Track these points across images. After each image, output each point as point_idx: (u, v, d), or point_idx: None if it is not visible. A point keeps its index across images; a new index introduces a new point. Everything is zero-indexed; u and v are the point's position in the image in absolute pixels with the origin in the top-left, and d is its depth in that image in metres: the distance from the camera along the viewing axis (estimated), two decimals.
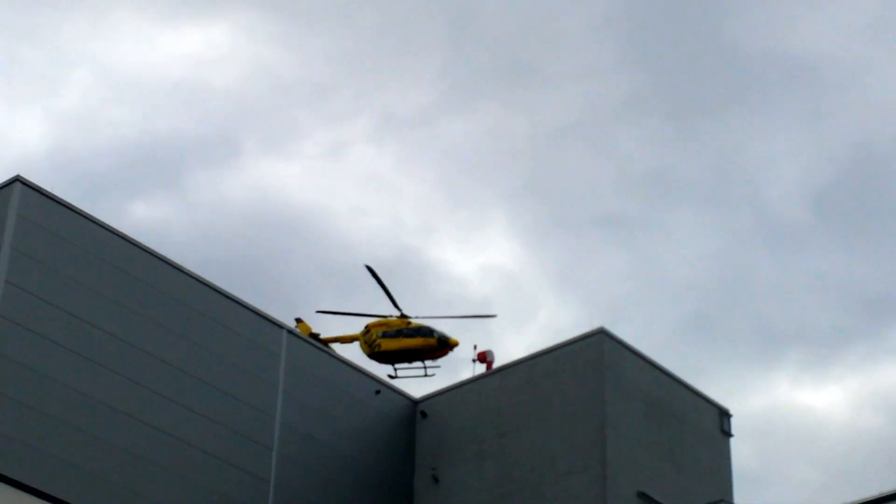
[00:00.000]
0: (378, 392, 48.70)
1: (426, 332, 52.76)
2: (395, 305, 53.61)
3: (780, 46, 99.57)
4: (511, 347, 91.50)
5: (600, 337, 46.72)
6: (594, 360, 46.44)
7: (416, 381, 52.46)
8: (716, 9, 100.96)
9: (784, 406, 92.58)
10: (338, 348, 53.01)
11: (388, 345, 52.74)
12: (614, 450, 44.94)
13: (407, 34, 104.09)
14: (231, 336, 44.97)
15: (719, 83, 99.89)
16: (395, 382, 50.12)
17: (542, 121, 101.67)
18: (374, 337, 52.97)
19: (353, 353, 52.91)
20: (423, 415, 49.46)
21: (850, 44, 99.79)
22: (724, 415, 49.80)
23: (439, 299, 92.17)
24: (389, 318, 53.44)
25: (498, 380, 48.61)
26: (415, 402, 49.87)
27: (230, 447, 43.41)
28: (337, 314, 54.44)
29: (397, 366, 53.05)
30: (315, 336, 53.04)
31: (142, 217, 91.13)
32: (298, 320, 53.64)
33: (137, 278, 42.98)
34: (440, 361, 53.25)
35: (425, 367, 53.13)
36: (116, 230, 43.01)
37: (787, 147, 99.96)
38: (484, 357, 50.68)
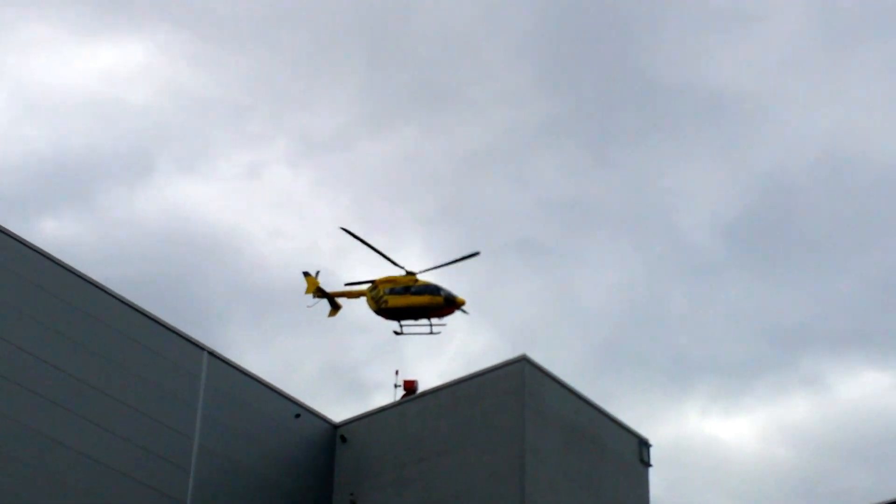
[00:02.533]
0: (298, 416, 48.20)
1: (433, 290, 52.68)
2: (394, 263, 53.10)
3: (696, 79, 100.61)
4: (424, 373, 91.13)
5: (522, 364, 46.58)
6: (515, 387, 46.27)
7: (335, 406, 52.08)
8: (633, 40, 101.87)
9: (694, 436, 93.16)
10: (345, 303, 53.42)
11: (395, 301, 52.68)
12: (533, 478, 44.76)
13: (325, 56, 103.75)
14: (150, 356, 44.28)
15: (636, 113, 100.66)
16: (315, 406, 49.46)
17: (460, 145, 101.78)
18: (381, 293, 52.85)
19: (360, 309, 53.53)
20: (343, 439, 48.99)
21: (763, 78, 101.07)
22: (643, 444, 49.86)
23: (354, 322, 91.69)
24: (397, 276, 53.14)
25: (419, 406, 48.28)
26: (335, 427, 49.43)
27: (146, 468, 42.68)
28: (358, 239, 52.76)
29: (403, 323, 53.13)
30: (321, 291, 53.14)
31: (51, 233, 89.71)
32: (306, 273, 53.75)
33: (53, 294, 42.16)
34: (446, 320, 53.30)
35: (430, 325, 53.18)
36: (33, 245, 42.14)
37: (701, 178, 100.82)
38: (412, 386, 50.29)
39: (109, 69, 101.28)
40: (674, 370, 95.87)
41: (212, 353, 45.89)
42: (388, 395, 50.83)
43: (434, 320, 53.10)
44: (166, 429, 43.73)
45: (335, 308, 54.02)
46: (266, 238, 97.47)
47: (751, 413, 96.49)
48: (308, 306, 54.04)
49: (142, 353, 43.98)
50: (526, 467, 44.65)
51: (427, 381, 49.85)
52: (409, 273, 53.04)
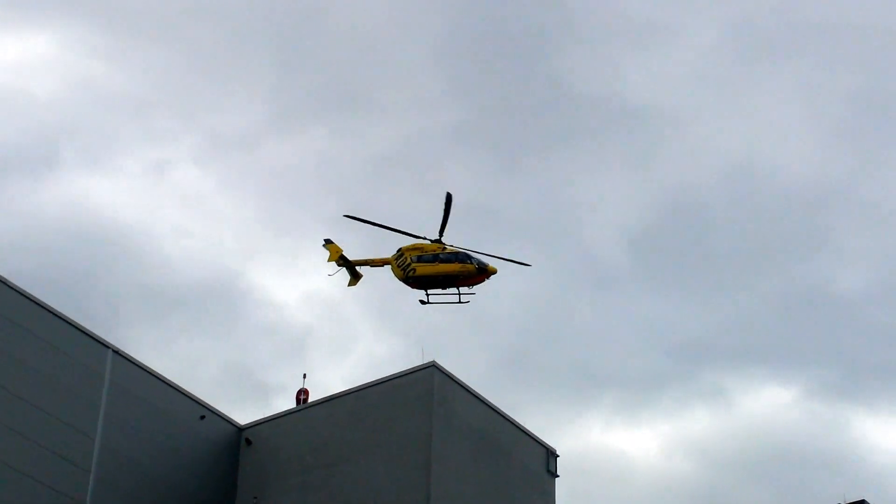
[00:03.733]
0: (203, 417, 47.41)
1: (463, 257, 50.93)
2: (414, 235, 51.59)
3: (609, 90, 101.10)
4: (328, 378, 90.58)
5: (431, 371, 46.20)
6: (424, 394, 45.90)
7: (237, 408, 51.18)
8: (548, 49, 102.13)
9: (598, 447, 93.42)
10: (367, 272, 52.01)
11: (424, 270, 50.93)
12: (439, 486, 44.38)
13: (235, 55, 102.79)
14: (51, 352, 43.23)
15: (547, 122, 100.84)
16: (221, 408, 48.66)
17: (369, 149, 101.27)
18: (408, 261, 51.12)
19: (385, 277, 52.09)
20: (248, 442, 48.27)
21: (675, 92, 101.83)
22: (551, 455, 49.67)
23: (258, 325, 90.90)
24: (423, 242, 51.53)
25: (326, 410, 47.72)
26: (240, 429, 48.69)
27: (45, 467, 41.64)
28: (366, 222, 51.25)
29: (430, 291, 51.40)
30: (344, 259, 51.65)
31: None
32: (328, 241, 52.18)
33: None
34: (476, 288, 51.58)
35: (459, 294, 51.41)
36: None
37: (611, 190, 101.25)
38: (304, 396, 49.60)
39: (15, 61, 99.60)
40: (579, 381, 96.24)
41: (116, 352, 44.96)
42: (291, 399, 50.27)
43: (463, 289, 51.24)
44: (67, 427, 42.73)
45: (355, 277, 52.19)
46: (171, 236, 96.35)
47: (653, 426, 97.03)
48: (329, 275, 52.26)
49: (42, 348, 42.94)
50: (432, 475, 44.24)
51: (332, 386, 49.27)
52: (436, 241, 51.27)
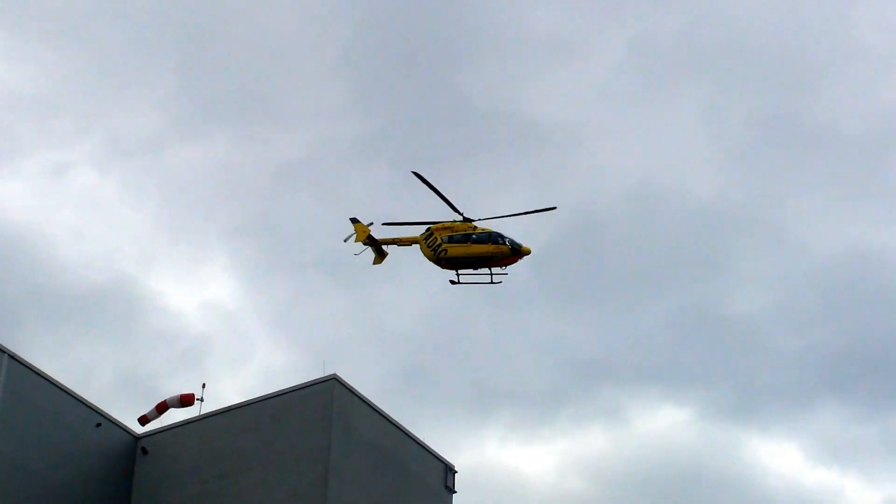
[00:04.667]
0: (99, 425, 46.78)
1: (496, 238, 49.34)
2: (454, 209, 49.86)
3: (513, 106, 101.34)
4: (225, 388, 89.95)
5: (332, 384, 46.04)
6: (324, 407, 45.71)
7: (131, 416, 50.32)
8: (453, 64, 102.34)
9: (494, 464, 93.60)
10: (395, 251, 50.72)
11: (456, 251, 49.41)
12: (336, 499, 44.21)
13: (138, 58, 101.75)
14: None
15: (450, 136, 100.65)
16: (117, 416, 48.05)
17: (272, 157, 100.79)
18: (438, 241, 49.64)
19: (414, 256, 50.84)
20: (144, 451, 47.73)
21: (579, 110, 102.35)
22: (449, 470, 49.74)
23: (155, 332, 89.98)
24: (453, 222, 49.91)
25: (224, 421, 47.33)
26: (136, 438, 48.14)
27: None
28: (401, 224, 50.20)
29: (461, 272, 49.89)
30: (371, 238, 50.25)
31: None
32: (354, 220, 50.64)
33: None
34: (509, 269, 50.08)
35: (491, 275, 49.90)
36: None
37: (512, 204, 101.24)
38: (191, 399, 49.15)
39: None
40: (477, 397, 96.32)
41: (12, 357, 44.16)
42: (189, 407, 49.77)
43: (495, 269, 49.78)
44: None
45: (381, 256, 50.80)
46: (68, 240, 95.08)
47: (550, 443, 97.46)
48: (355, 255, 50.93)
49: None
50: (329, 489, 44.06)
51: (228, 397, 48.82)
52: (466, 220, 49.69)
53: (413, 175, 48.25)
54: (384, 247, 50.45)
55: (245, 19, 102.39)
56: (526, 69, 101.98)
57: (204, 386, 49.61)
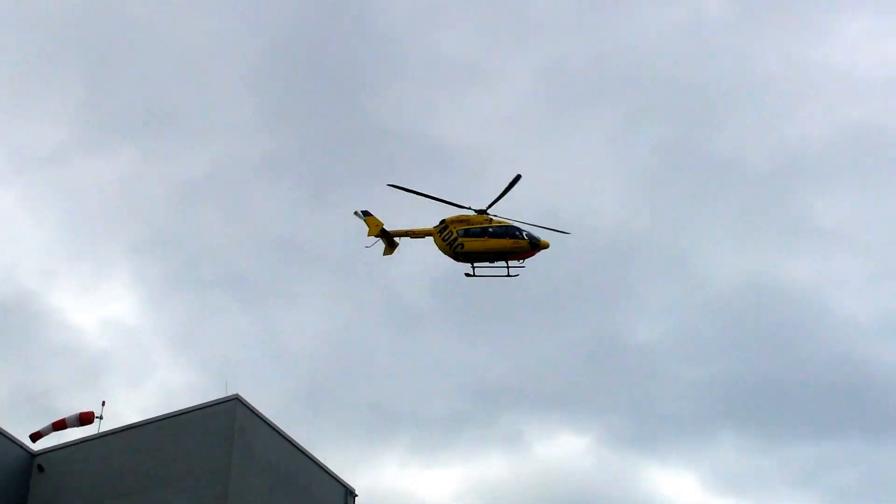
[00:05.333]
0: None
1: (514, 232, 47.87)
2: (458, 205, 48.10)
3: (419, 129, 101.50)
4: (124, 407, 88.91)
5: (234, 404, 45.68)
6: (225, 427, 45.34)
7: (26, 432, 49.52)
8: (363, 86, 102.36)
9: (393, 487, 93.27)
10: (407, 243, 49.39)
11: (473, 245, 47.84)
12: None
13: (44, 69, 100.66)
14: None
15: (358, 158, 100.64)
16: (12, 432, 47.24)
17: (177, 172, 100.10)
18: (454, 235, 48.00)
19: (427, 247, 49.25)
20: (41, 469, 46.99)
21: (489, 134, 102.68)
22: (349, 493, 49.54)
23: (54, 347, 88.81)
24: (468, 213, 48.29)
25: (123, 439, 46.74)
26: (32, 455, 47.38)
27: None
28: (408, 191, 47.80)
29: (476, 265, 48.27)
30: (384, 231, 48.96)
31: None
32: (366, 213, 49.53)
33: None
34: (526, 261, 48.60)
35: (508, 268, 48.42)
36: None
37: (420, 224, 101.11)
38: (90, 417, 48.58)
39: None
40: (377, 420, 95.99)
41: None
42: (88, 426, 49.14)
43: (513, 263, 48.41)
44: None
45: (391, 247, 49.44)
46: None
47: (449, 467, 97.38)
48: (366, 247, 49.42)
49: None
50: None
51: (127, 416, 48.33)
52: (480, 211, 48.16)
53: (389, 187, 47.40)
54: (396, 238, 49.38)
55: (154, 34, 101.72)
56: (435, 92, 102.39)
57: (104, 404, 49.06)
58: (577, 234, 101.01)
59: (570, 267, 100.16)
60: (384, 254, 49.33)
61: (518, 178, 46.45)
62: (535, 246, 48.03)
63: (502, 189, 47.01)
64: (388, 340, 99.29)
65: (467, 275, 48.31)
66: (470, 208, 47.98)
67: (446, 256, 48.33)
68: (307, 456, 48.20)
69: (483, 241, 47.77)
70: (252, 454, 45.48)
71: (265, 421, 46.60)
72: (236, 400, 45.71)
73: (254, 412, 46.25)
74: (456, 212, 48.36)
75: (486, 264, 48.25)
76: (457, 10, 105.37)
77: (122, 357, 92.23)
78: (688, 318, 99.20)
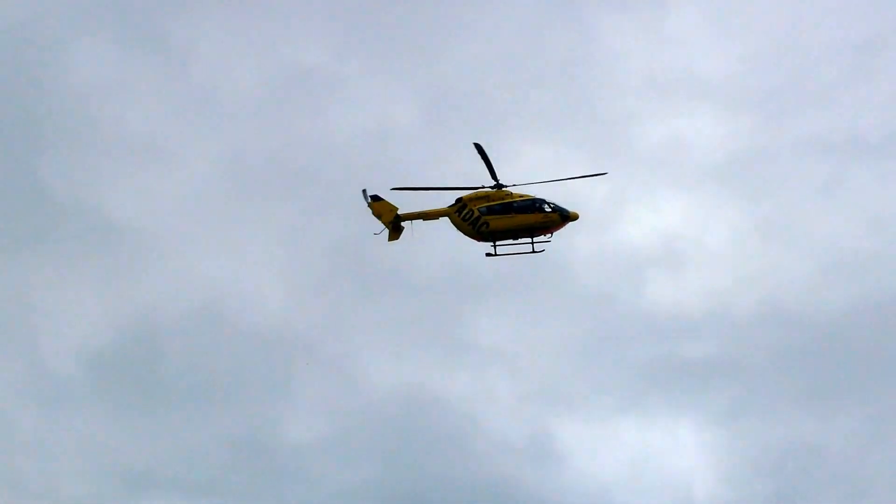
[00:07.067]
0: None
1: (541, 205, 45.18)
2: (494, 176, 45.39)
3: (89, 202, 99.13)
4: None
5: None
6: None
7: None
8: (34, 150, 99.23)
9: None
10: (421, 225, 46.33)
11: (499, 223, 44.78)
12: None
13: None
14: None
15: (22, 223, 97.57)
16: None
17: None
18: (476, 214, 44.40)
19: (441, 229, 46.21)
20: None
21: (157, 216, 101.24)
22: None
23: None
24: (486, 190, 45.56)
25: None
26: None
27: None
28: (414, 189, 45.62)
29: (499, 243, 46.20)
30: (398, 217, 46.49)
31: None
32: (376, 197, 46.65)
33: None
34: (553, 235, 46.04)
35: (532, 244, 45.92)
36: None
37: (75, 302, 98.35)
38: None
39: None
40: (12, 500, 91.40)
41: None
42: None
43: (537, 238, 46.32)
44: None
45: (397, 231, 46.89)
46: None
47: None
48: (375, 234, 47.11)
49: None
50: None
51: None
52: (496, 186, 45.55)
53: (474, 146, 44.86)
54: (408, 222, 47.15)
55: None
56: (112, 167, 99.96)
57: None
58: (238, 326, 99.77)
59: (228, 358, 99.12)
60: (389, 240, 47.14)
61: (478, 146, 45.22)
62: (565, 218, 46.61)
63: (484, 164, 45.78)
64: (31, 413, 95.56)
65: (488, 254, 46.22)
66: (483, 187, 46.42)
67: (467, 237, 46.56)
68: None
69: (510, 218, 45.78)
70: None
71: None
72: None
73: None
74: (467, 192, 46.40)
75: (509, 241, 46.37)
76: None
77: None
78: (342, 421, 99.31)
